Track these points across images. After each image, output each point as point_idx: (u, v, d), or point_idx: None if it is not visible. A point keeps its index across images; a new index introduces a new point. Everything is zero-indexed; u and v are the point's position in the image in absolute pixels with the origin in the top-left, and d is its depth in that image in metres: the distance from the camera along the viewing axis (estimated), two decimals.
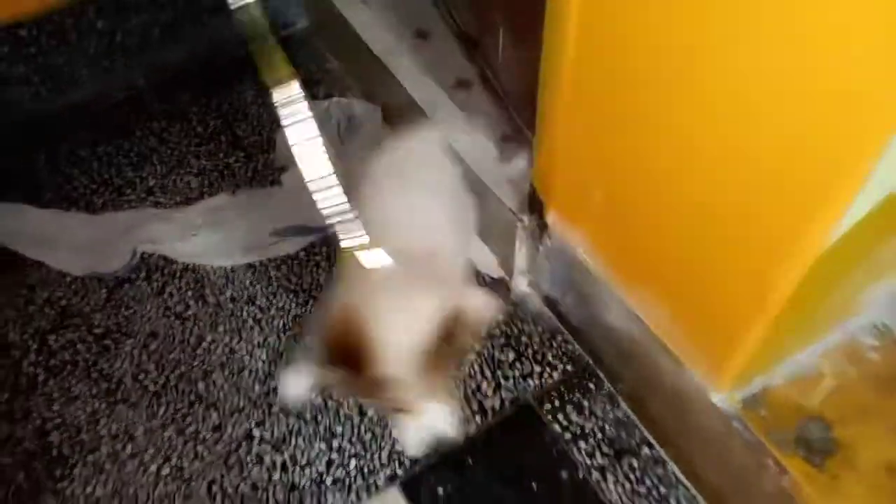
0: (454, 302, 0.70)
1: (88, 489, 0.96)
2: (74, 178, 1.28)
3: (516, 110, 1.08)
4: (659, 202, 0.77)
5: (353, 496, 0.95)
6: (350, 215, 0.66)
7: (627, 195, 0.82)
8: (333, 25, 1.38)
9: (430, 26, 1.29)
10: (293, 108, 0.64)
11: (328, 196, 0.66)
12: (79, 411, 1.02)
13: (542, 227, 1.00)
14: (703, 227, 0.71)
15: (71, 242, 1.16)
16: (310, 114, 0.64)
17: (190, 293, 1.14)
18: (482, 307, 0.76)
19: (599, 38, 0.73)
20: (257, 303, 1.13)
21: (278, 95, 0.64)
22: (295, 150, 0.65)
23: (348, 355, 0.69)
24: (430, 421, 0.76)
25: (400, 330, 0.68)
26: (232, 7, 0.63)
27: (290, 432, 1.01)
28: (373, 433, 1.01)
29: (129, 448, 0.99)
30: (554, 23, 0.77)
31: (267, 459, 0.98)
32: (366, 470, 0.98)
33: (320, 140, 0.65)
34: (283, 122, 0.64)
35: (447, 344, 0.69)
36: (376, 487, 0.96)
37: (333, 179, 0.65)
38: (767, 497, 0.81)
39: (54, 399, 1.03)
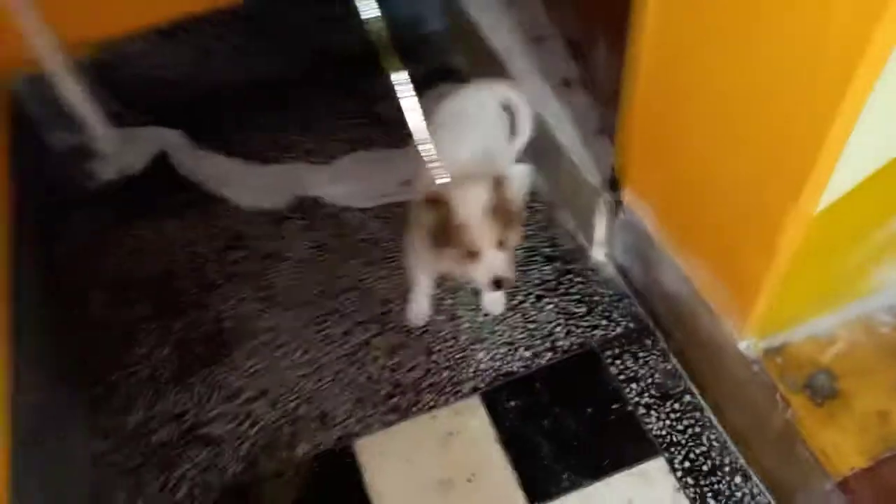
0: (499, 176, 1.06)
1: (248, 363, 1.27)
2: (252, 137, 1.61)
3: (607, 107, 1.30)
4: (703, 182, 0.98)
5: (442, 398, 1.21)
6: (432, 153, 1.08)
7: (682, 176, 1.03)
8: (462, 27, 1.63)
9: (545, 31, 1.51)
10: (403, 87, 1.05)
11: (420, 142, 1.08)
12: (245, 309, 1.34)
13: (619, 203, 1.22)
14: (731, 200, 0.92)
15: (247, 184, 1.50)
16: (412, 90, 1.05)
17: (332, 232, 1.44)
18: (519, 174, 1.13)
19: (664, 55, 0.95)
20: (382, 245, 1.41)
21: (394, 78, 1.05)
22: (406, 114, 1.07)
23: (439, 204, 1.04)
24: (494, 265, 1.05)
25: (467, 195, 1.04)
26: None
27: (399, 345, 1.28)
28: (463, 353, 1.26)
29: (279, 339, 1.30)
30: (636, 37, 0.99)
31: (380, 361, 1.26)
32: (455, 380, 1.23)
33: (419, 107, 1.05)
34: (397, 94, 1.05)
35: (501, 203, 1.04)
36: (462, 394, 1.22)
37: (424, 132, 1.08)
38: (777, 432, 1.00)
39: (228, 298, 1.36)
